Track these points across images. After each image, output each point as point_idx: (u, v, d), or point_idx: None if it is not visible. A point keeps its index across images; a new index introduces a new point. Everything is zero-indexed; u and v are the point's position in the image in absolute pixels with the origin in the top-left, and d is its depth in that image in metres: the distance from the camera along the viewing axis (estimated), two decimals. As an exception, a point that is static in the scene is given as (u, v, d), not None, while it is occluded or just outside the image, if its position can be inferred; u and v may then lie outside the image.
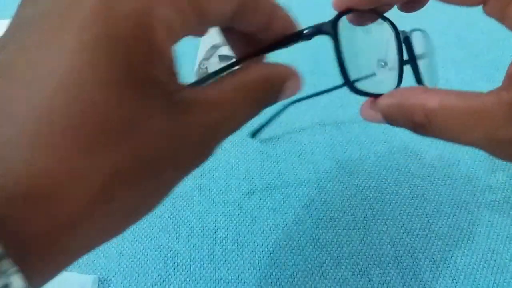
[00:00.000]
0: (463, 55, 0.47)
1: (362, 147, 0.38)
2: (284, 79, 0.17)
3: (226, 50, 0.45)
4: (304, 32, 0.19)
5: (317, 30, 0.19)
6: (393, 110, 0.19)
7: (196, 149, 0.14)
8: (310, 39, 0.20)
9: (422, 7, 0.21)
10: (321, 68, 0.46)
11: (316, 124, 0.40)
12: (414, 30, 0.22)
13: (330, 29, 0.19)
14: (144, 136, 0.12)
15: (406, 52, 0.22)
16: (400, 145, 0.38)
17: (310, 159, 0.37)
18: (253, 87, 0.16)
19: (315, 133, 0.39)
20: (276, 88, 0.17)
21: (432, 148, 0.38)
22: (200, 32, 0.17)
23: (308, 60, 0.47)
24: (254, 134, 0.37)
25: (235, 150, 0.38)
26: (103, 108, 0.11)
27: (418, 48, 0.22)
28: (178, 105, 0.13)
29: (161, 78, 0.13)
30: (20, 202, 0.10)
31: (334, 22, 0.19)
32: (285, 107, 0.37)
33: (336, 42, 0.18)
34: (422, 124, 0.17)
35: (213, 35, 0.50)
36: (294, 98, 0.36)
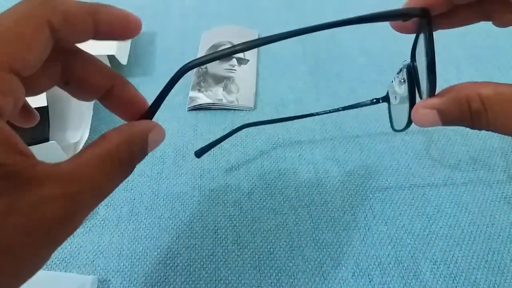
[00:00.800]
0: (463, 55, 0.47)
1: (362, 147, 0.38)
2: (145, 134, 0.19)
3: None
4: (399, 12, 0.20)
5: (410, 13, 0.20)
6: (449, 102, 0.19)
7: (62, 221, 0.14)
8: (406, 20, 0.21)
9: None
10: (321, 68, 0.46)
11: (316, 124, 0.40)
12: None
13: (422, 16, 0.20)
14: None
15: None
16: (400, 145, 0.38)
17: (310, 159, 0.37)
18: (110, 156, 0.16)
19: (315, 133, 0.39)
20: (139, 145, 0.18)
21: (433, 149, 0.38)
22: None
23: (308, 60, 0.47)
24: (199, 154, 0.35)
25: (235, 150, 0.38)
26: None
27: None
28: (29, 181, 0.13)
29: None
30: None
31: (426, 12, 0.19)
32: (235, 130, 0.36)
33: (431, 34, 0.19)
34: (479, 112, 0.18)
35: (213, 35, 0.50)
36: (247, 123, 0.35)
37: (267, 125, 0.37)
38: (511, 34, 0.49)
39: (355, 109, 0.34)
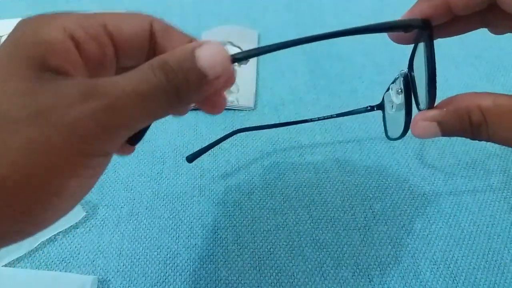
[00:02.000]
0: (463, 55, 0.47)
1: (362, 147, 0.38)
2: (188, 50, 0.16)
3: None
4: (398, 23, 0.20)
5: (411, 25, 0.19)
6: (449, 115, 0.19)
7: (102, 132, 0.15)
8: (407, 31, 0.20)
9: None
10: (321, 68, 0.46)
11: (316, 124, 0.40)
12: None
13: (425, 29, 0.19)
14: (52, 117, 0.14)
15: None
16: (400, 145, 0.38)
17: (310, 159, 0.37)
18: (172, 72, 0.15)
19: (315, 133, 0.39)
20: (187, 64, 0.16)
21: (433, 149, 0.38)
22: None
23: (308, 60, 0.47)
24: (190, 159, 0.34)
25: (235, 150, 0.38)
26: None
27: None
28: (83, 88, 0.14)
29: (53, 65, 0.15)
30: None
31: (427, 23, 0.19)
32: (229, 134, 0.35)
33: (431, 46, 0.19)
34: (479, 123, 0.18)
35: (213, 35, 0.50)
36: (240, 128, 0.35)
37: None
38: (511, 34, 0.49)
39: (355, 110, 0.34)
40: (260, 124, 0.36)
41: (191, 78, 0.16)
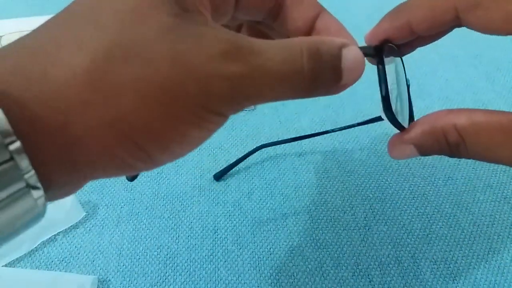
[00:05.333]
0: (463, 55, 0.47)
1: (362, 147, 0.38)
2: (337, 45, 0.16)
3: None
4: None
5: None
6: (425, 137, 0.18)
7: (229, 97, 0.14)
8: None
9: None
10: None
11: (316, 124, 0.40)
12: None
13: (375, 55, 0.18)
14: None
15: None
16: (400, 145, 0.38)
17: (310, 159, 0.37)
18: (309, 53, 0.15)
19: (315, 133, 0.39)
20: (327, 55, 0.15)
21: (433, 148, 0.38)
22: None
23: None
24: (218, 177, 0.35)
25: (235, 150, 0.38)
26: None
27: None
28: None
29: (189, 2, 0.14)
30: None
31: (379, 50, 0.18)
32: (253, 151, 0.35)
33: (384, 72, 0.18)
34: (457, 143, 0.17)
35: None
36: (265, 143, 0.35)
37: (267, 125, 0.37)
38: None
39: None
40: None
41: (330, 76, 0.16)
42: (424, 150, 0.19)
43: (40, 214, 0.12)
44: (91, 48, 0.13)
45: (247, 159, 0.35)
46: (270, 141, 0.36)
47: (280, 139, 0.36)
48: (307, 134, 0.35)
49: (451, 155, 0.18)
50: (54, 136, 0.12)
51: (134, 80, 0.13)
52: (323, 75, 0.15)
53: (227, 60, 0.14)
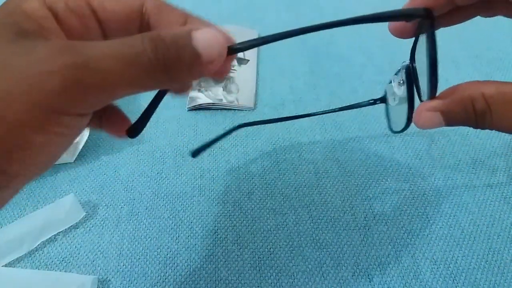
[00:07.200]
0: (463, 55, 0.47)
1: (362, 147, 0.38)
2: (186, 30, 0.16)
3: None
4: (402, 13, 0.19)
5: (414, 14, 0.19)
6: (453, 104, 0.19)
7: (62, 92, 0.14)
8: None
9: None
10: (321, 68, 0.46)
11: (316, 124, 0.40)
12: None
13: (426, 17, 0.19)
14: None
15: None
16: (401, 145, 0.38)
17: (310, 159, 0.37)
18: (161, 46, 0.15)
19: (315, 133, 0.39)
20: (179, 42, 0.16)
21: (433, 149, 0.38)
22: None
23: (308, 60, 0.47)
24: (194, 153, 0.33)
25: (235, 150, 0.38)
26: None
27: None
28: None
29: (30, 30, 0.15)
30: None
31: (429, 12, 0.19)
32: (232, 129, 0.34)
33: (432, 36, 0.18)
34: (483, 111, 0.18)
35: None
36: (244, 122, 0.34)
37: (267, 125, 0.37)
38: (511, 34, 0.49)
39: (355, 109, 0.34)
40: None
41: (184, 56, 0.16)
42: (450, 118, 0.19)
43: None
44: None
45: (248, 159, 0.35)
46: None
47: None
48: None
49: (476, 124, 0.18)
50: None
51: None
52: (175, 56, 0.15)
53: (58, 56, 0.14)
